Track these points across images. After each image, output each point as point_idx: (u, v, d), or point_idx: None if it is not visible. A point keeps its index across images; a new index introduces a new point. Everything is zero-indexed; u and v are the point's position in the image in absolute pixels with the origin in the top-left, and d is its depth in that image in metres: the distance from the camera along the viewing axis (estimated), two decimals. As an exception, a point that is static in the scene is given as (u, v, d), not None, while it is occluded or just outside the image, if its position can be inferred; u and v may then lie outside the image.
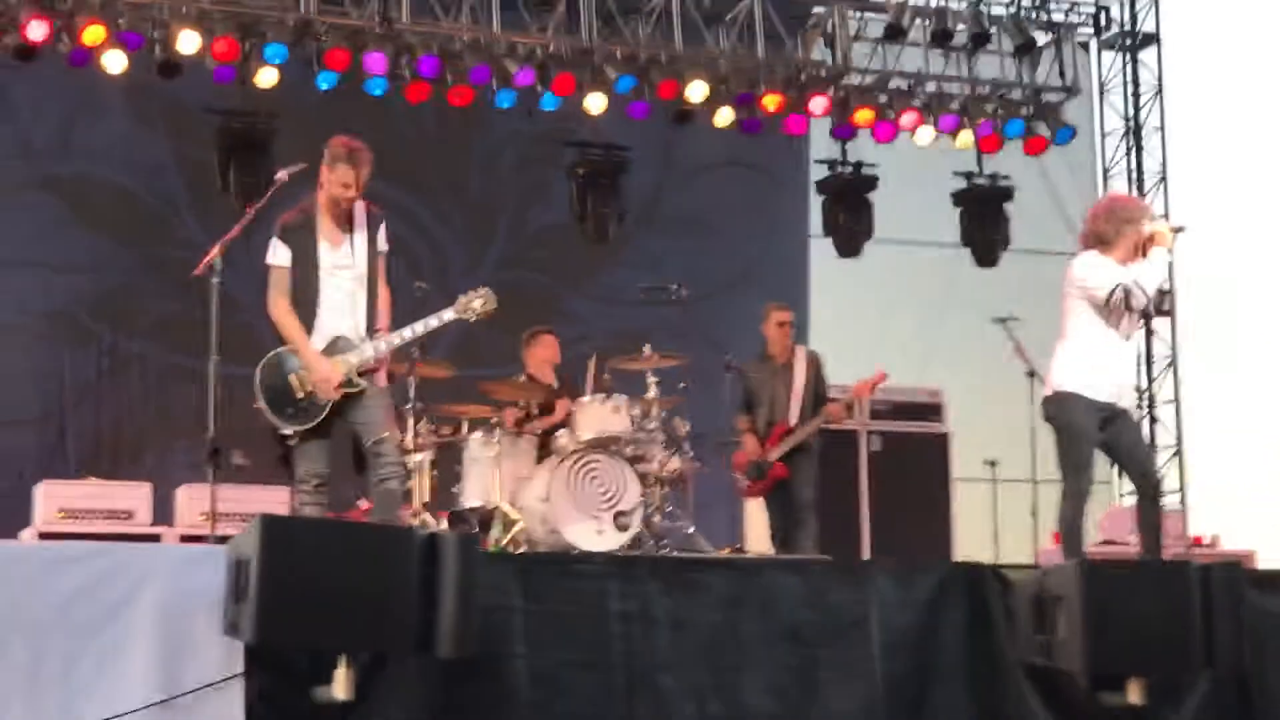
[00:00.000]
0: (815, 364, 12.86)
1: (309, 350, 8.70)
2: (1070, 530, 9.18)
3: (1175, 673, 8.35)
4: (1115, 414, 9.24)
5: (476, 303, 9.22)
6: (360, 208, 8.95)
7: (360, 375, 8.76)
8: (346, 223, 8.87)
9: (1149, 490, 9.39)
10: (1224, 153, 19.94)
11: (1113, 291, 9.06)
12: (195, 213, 15.33)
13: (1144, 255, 9.26)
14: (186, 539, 11.95)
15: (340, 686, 6.99)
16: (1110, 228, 9.25)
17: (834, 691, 8.12)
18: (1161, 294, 9.26)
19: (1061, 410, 9.23)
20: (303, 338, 8.73)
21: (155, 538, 12.20)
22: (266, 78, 13.53)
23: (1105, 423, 9.19)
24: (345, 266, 8.85)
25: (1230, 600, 8.06)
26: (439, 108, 14.71)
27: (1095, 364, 9.19)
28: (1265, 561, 13.66)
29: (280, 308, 8.81)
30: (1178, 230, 9.36)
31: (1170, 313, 9.70)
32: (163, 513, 13.03)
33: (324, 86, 13.70)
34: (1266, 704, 8.66)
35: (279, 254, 8.84)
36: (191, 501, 12.38)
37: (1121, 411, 9.30)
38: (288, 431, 8.75)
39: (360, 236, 8.91)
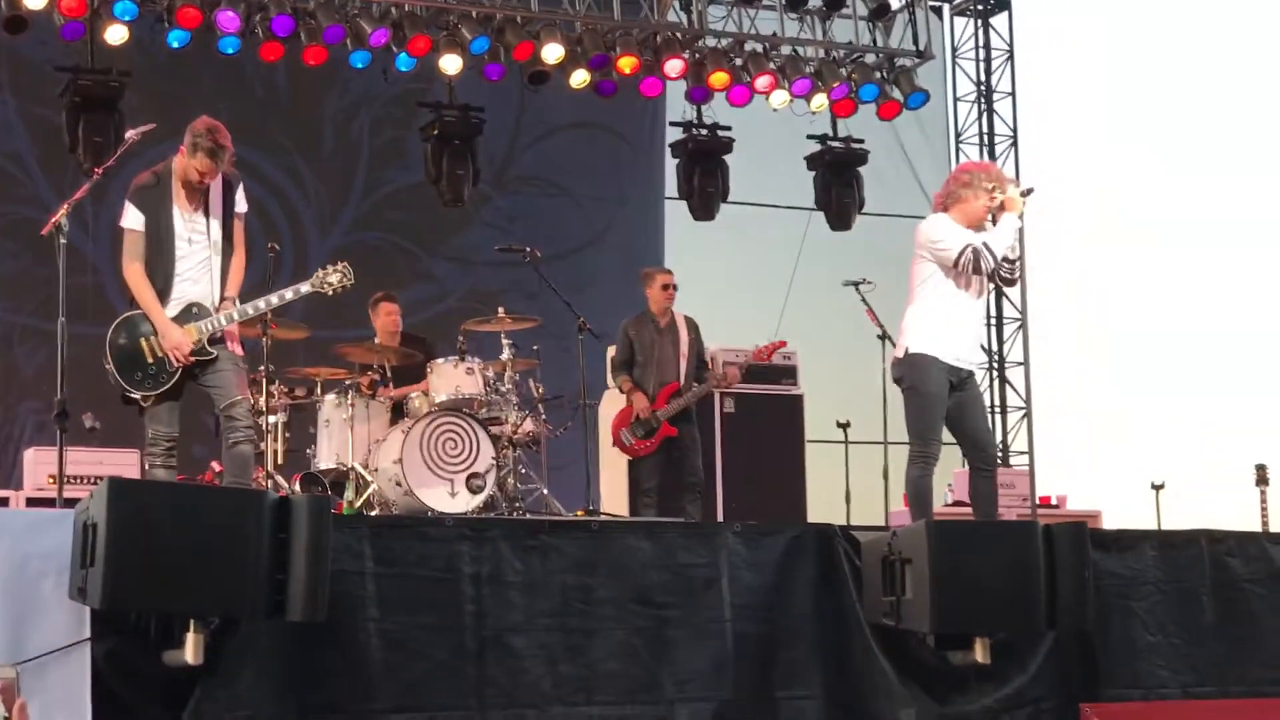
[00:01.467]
0: (695, 328, 12.97)
1: (161, 316, 8.63)
2: (919, 492, 9.28)
3: (1020, 632, 8.50)
4: (963, 377, 9.34)
5: (334, 277, 9.17)
6: None
7: (212, 343, 8.69)
8: (200, 188, 8.77)
9: (984, 465, 9.50)
10: (1073, 116, 20.21)
11: (962, 253, 9.16)
12: (43, 171, 15.15)
13: (994, 221, 9.39)
14: (33, 503, 11.80)
15: (190, 651, 6.96)
16: (955, 192, 9.38)
17: (685, 652, 8.20)
18: (1011, 262, 9.35)
19: (911, 372, 9.30)
20: (155, 303, 8.64)
21: (2, 502, 12.05)
22: (116, 35, 13.28)
23: (954, 386, 9.30)
24: (200, 232, 8.76)
25: (1074, 560, 8.21)
26: (292, 67, 14.58)
27: (945, 326, 9.27)
28: (1111, 521, 13.91)
29: (133, 271, 8.73)
30: (1027, 193, 9.46)
31: (1017, 282, 9.77)
32: (10, 476, 12.89)
33: (175, 45, 13.48)
34: (1110, 663, 8.84)
35: (132, 217, 8.74)
36: (39, 464, 12.23)
37: (968, 375, 9.40)
38: (135, 395, 8.67)
39: (215, 202, 8.82)
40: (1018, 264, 9.45)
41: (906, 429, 9.38)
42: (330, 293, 9.21)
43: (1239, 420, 18.33)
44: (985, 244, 9.20)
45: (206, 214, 8.79)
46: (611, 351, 13.77)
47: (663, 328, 12.84)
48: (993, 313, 18.38)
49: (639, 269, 13.57)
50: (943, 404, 9.26)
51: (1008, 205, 9.33)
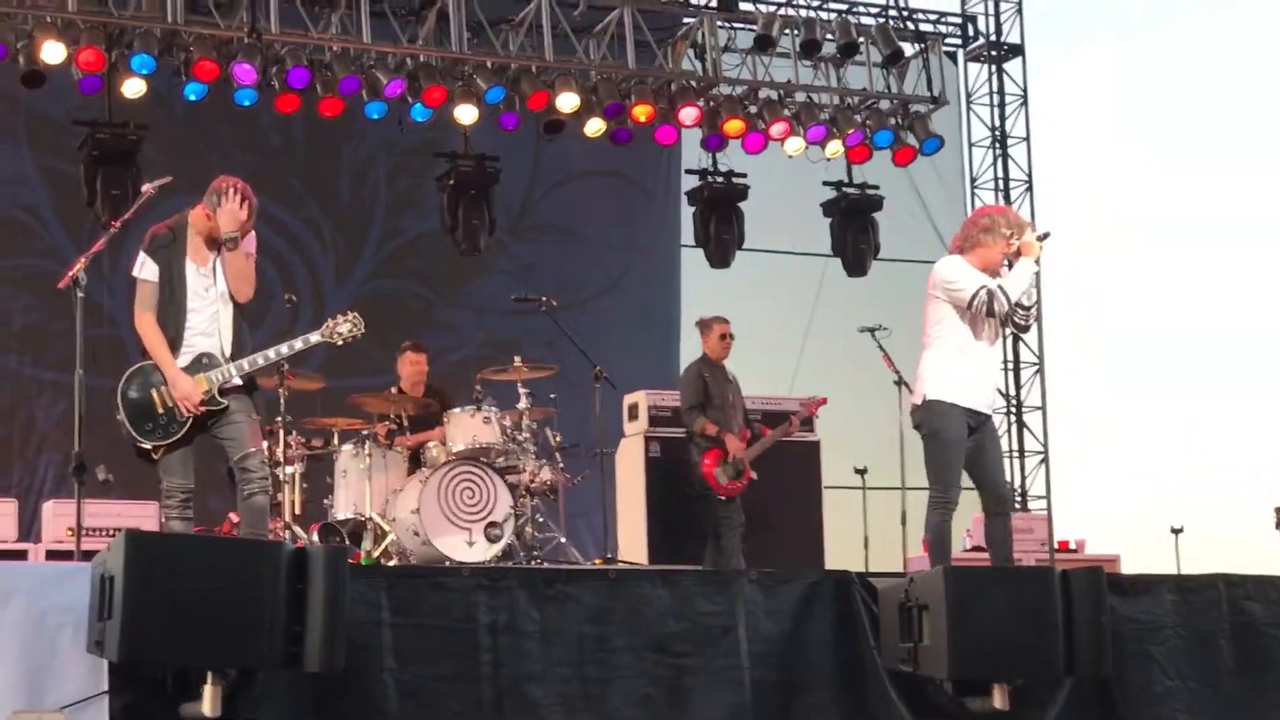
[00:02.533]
0: (737, 381, 13.05)
1: (171, 366, 8.63)
2: (938, 538, 9.24)
3: (1039, 678, 8.46)
4: (981, 421, 9.33)
5: (344, 327, 9.16)
6: None
7: (222, 394, 8.69)
8: (215, 241, 8.80)
9: (1001, 508, 9.46)
10: (1087, 160, 20.27)
11: (976, 294, 9.14)
12: (61, 224, 15.20)
13: (1010, 267, 9.38)
14: (53, 555, 11.83)
15: (208, 703, 6.96)
16: (974, 236, 9.36)
17: (702, 700, 8.17)
18: (1026, 309, 9.33)
19: (931, 418, 9.27)
20: (166, 353, 8.65)
21: (21, 554, 12.07)
22: (133, 89, 13.37)
23: (972, 430, 9.28)
24: (210, 285, 8.77)
25: (1092, 606, 8.18)
26: (309, 119, 14.64)
27: (962, 370, 9.24)
28: (1129, 566, 13.87)
29: (145, 322, 8.73)
30: (1044, 237, 9.45)
31: (1031, 328, 9.76)
32: (30, 529, 12.90)
33: (192, 98, 13.57)
34: (1128, 709, 8.80)
35: (146, 268, 8.76)
36: (58, 517, 12.26)
37: (986, 418, 9.39)
38: (146, 446, 8.67)
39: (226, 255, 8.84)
40: (1033, 310, 9.43)
41: (926, 475, 9.34)
42: (340, 343, 9.20)
43: (1262, 458, 18.32)
44: (1000, 287, 9.19)
45: (215, 267, 8.80)
46: (630, 399, 13.77)
47: (727, 376, 12.93)
48: (1010, 357, 18.36)
49: (655, 317, 13.60)
50: (962, 449, 9.21)
51: (1024, 250, 9.30)
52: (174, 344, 8.68)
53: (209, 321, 8.76)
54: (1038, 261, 9.38)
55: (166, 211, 9.02)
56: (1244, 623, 9.18)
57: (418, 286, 16.98)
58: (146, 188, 9.03)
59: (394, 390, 12.57)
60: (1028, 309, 9.33)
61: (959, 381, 9.22)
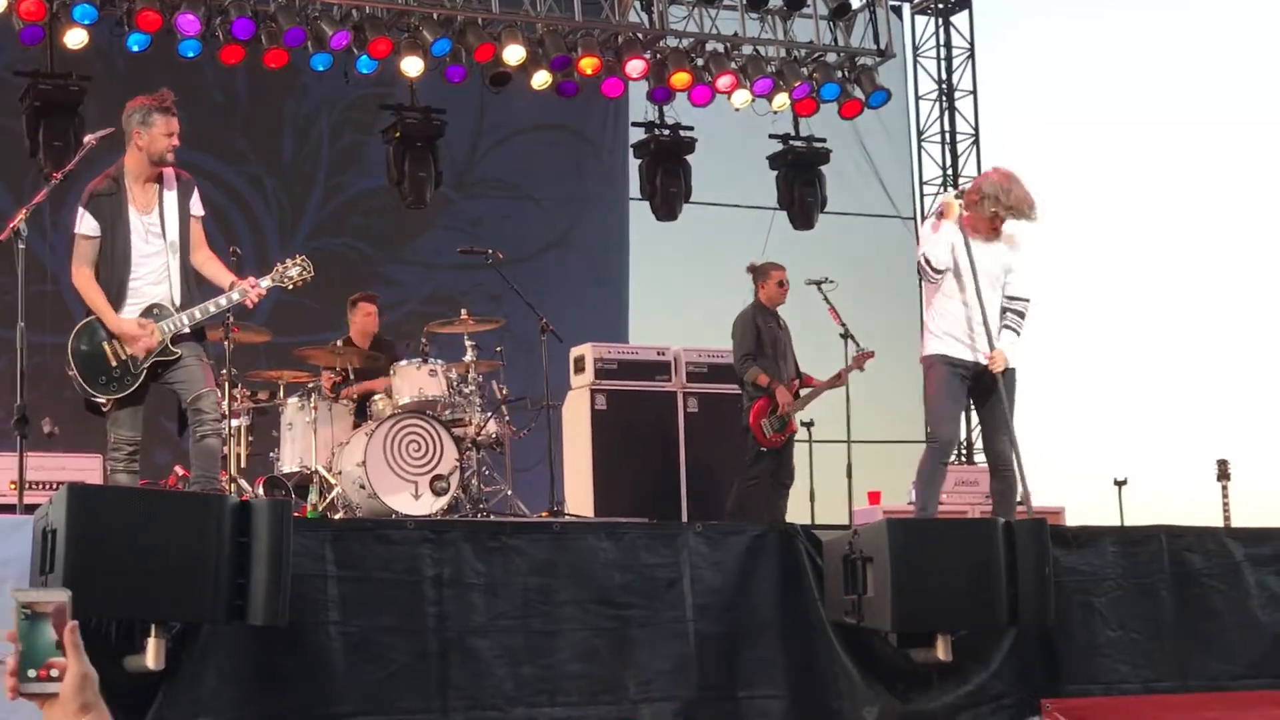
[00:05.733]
0: (788, 328, 13.11)
1: (112, 316, 8.61)
2: (924, 478, 9.69)
3: (982, 629, 8.52)
4: (980, 374, 9.67)
5: (293, 270, 9.13)
6: (169, 174, 8.86)
7: (175, 343, 8.66)
8: (156, 188, 8.76)
9: (999, 473, 9.84)
10: (1034, 113, 20.31)
11: (918, 261, 9.73)
12: (1, 177, 15.07)
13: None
14: (-6, 509, 11.76)
15: (152, 656, 6.94)
16: (970, 199, 9.85)
17: (647, 652, 8.19)
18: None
19: (925, 373, 9.80)
20: (105, 305, 8.62)
21: (-37, 508, 12.00)
22: (75, 39, 13.23)
23: (975, 382, 9.70)
24: (156, 234, 8.75)
25: (1035, 557, 8.24)
26: (252, 73, 14.55)
27: (951, 329, 9.69)
28: (1073, 518, 13.94)
29: (83, 276, 8.71)
30: (959, 195, 9.86)
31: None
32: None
33: (135, 48, 13.44)
34: (1070, 658, 8.87)
35: (87, 224, 8.73)
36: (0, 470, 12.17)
37: (986, 371, 9.63)
38: (101, 400, 8.63)
39: (170, 202, 8.81)
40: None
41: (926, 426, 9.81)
42: (290, 286, 9.17)
43: (1205, 409, 18.44)
44: (924, 253, 9.71)
45: (162, 216, 8.77)
46: (576, 352, 13.77)
47: (780, 323, 12.93)
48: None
49: (603, 270, 13.57)
50: (947, 398, 9.71)
51: (945, 212, 9.72)
52: (122, 296, 8.65)
53: (157, 271, 8.74)
54: (957, 220, 9.70)
55: (109, 164, 8.97)
56: (1185, 573, 9.27)
57: (362, 243, 16.95)
58: (89, 138, 8.98)
59: (339, 343, 12.54)
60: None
61: (948, 336, 9.72)
